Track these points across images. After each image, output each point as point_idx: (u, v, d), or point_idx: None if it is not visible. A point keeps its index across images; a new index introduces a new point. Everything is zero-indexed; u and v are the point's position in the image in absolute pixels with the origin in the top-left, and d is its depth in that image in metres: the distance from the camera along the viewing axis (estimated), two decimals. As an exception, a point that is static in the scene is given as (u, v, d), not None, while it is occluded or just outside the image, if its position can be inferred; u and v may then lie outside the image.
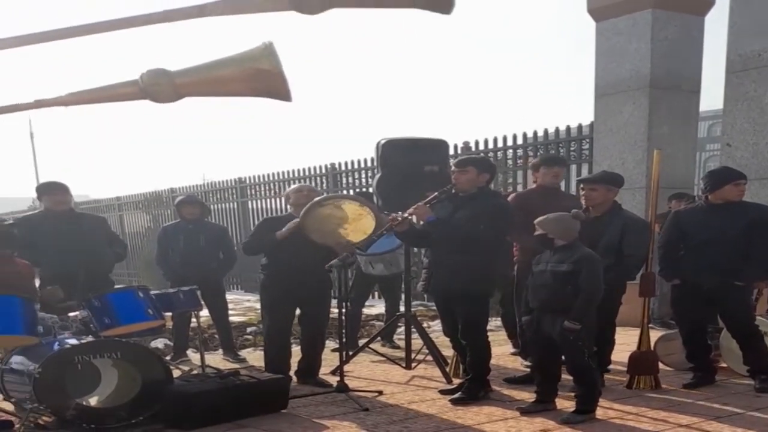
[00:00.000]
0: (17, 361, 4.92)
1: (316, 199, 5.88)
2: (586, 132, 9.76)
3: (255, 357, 7.29)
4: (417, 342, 6.54)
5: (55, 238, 6.39)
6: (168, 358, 6.75)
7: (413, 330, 6.55)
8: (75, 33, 1.63)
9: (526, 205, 5.85)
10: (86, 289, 5.71)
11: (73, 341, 4.94)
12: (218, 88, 1.73)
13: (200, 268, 7.18)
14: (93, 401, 4.91)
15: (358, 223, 5.75)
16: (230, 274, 15.45)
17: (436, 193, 5.42)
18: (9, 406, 5.08)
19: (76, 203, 8.53)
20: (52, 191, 6.72)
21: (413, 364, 6.42)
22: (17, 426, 4.65)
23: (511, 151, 10.64)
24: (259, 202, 15.04)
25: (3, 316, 4.68)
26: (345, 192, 12.58)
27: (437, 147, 6.53)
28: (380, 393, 5.67)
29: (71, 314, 5.32)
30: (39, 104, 1.77)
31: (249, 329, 9.01)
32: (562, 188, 7.59)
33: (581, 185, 5.94)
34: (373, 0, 1.49)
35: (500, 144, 10.65)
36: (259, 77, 1.67)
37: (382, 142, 6.41)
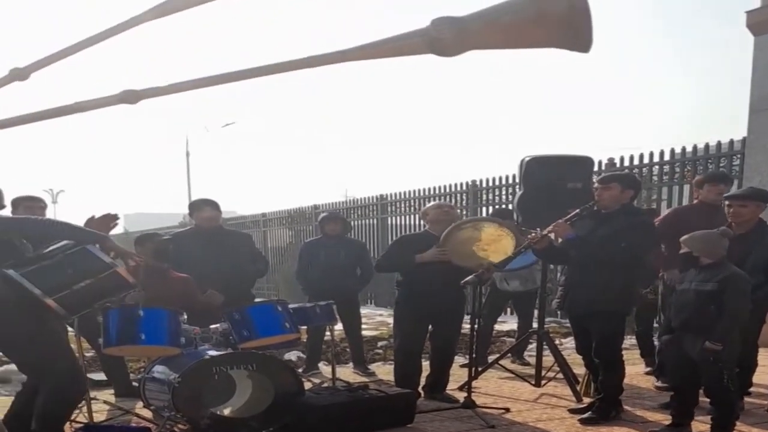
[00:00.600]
0: (159, 370, 5.11)
1: (455, 223, 5.94)
2: (738, 147, 9.31)
3: (384, 371, 7.35)
4: (547, 359, 6.44)
5: (203, 254, 6.61)
6: (300, 370, 6.91)
7: (545, 347, 6.45)
8: (242, 76, 1.73)
9: (684, 221, 5.71)
10: (228, 303, 5.99)
11: (212, 352, 5.08)
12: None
13: (339, 283, 7.30)
14: (227, 411, 5.07)
15: (497, 245, 5.76)
16: (366, 289, 15.77)
17: (577, 210, 5.34)
18: (147, 414, 5.30)
19: (224, 219, 8.92)
20: (203, 208, 6.97)
21: (543, 382, 6.30)
22: (154, 433, 4.85)
23: (657, 167, 10.24)
24: (398, 218, 15.19)
25: (150, 328, 4.88)
26: (484, 209, 12.56)
27: (582, 164, 6.47)
28: (507, 410, 5.59)
29: (212, 326, 5.47)
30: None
31: (380, 343, 9.11)
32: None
33: (728, 201, 5.71)
34: (512, 41, 1.46)
35: (646, 160, 10.25)
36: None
37: (527, 159, 6.39)
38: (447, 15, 1.37)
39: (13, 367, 6.94)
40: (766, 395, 5.57)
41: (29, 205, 5.84)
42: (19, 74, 1.88)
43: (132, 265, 4.58)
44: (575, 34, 1.25)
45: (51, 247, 4.17)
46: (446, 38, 1.36)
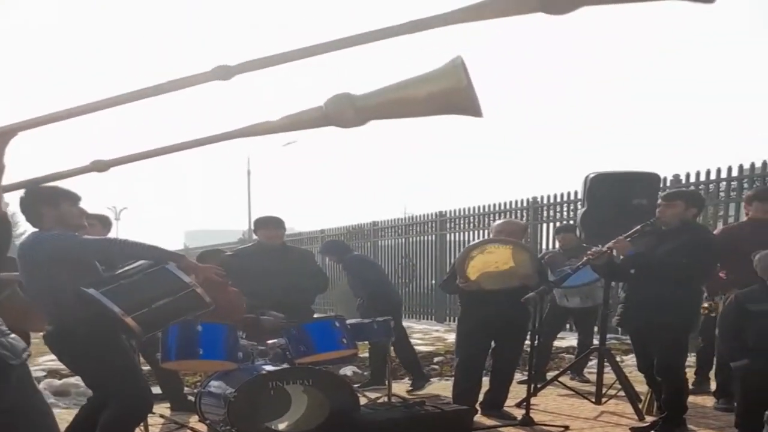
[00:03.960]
0: (215, 385, 5.05)
1: (463, 255, 5.87)
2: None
3: (440, 387, 7.20)
4: (608, 377, 6.18)
5: (265, 270, 6.56)
6: (358, 385, 6.83)
7: (606, 364, 6.29)
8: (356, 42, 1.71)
9: (734, 238, 5.61)
10: (288, 319, 5.99)
11: (268, 367, 5.02)
12: (403, 109, 1.68)
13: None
14: (282, 426, 4.97)
15: (516, 258, 5.65)
16: (423, 305, 15.69)
17: (638, 227, 5.22)
18: (203, 428, 5.26)
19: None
20: (268, 226, 6.94)
21: (604, 399, 6.02)
22: (209, 447, 4.72)
23: (724, 183, 9.87)
24: (457, 234, 15.10)
25: (209, 343, 4.84)
26: (545, 225, 12.57)
27: (648, 181, 6.30)
28: (567, 428, 5.39)
29: (270, 342, 5.42)
30: (247, 132, 1.85)
31: (436, 359, 8.95)
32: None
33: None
34: None
35: (713, 176, 9.90)
36: (447, 95, 1.61)
37: (591, 175, 6.26)
38: None
39: (71, 380, 7.04)
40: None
41: (92, 222, 5.92)
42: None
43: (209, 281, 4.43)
44: None
45: (128, 267, 4.14)
46: None
